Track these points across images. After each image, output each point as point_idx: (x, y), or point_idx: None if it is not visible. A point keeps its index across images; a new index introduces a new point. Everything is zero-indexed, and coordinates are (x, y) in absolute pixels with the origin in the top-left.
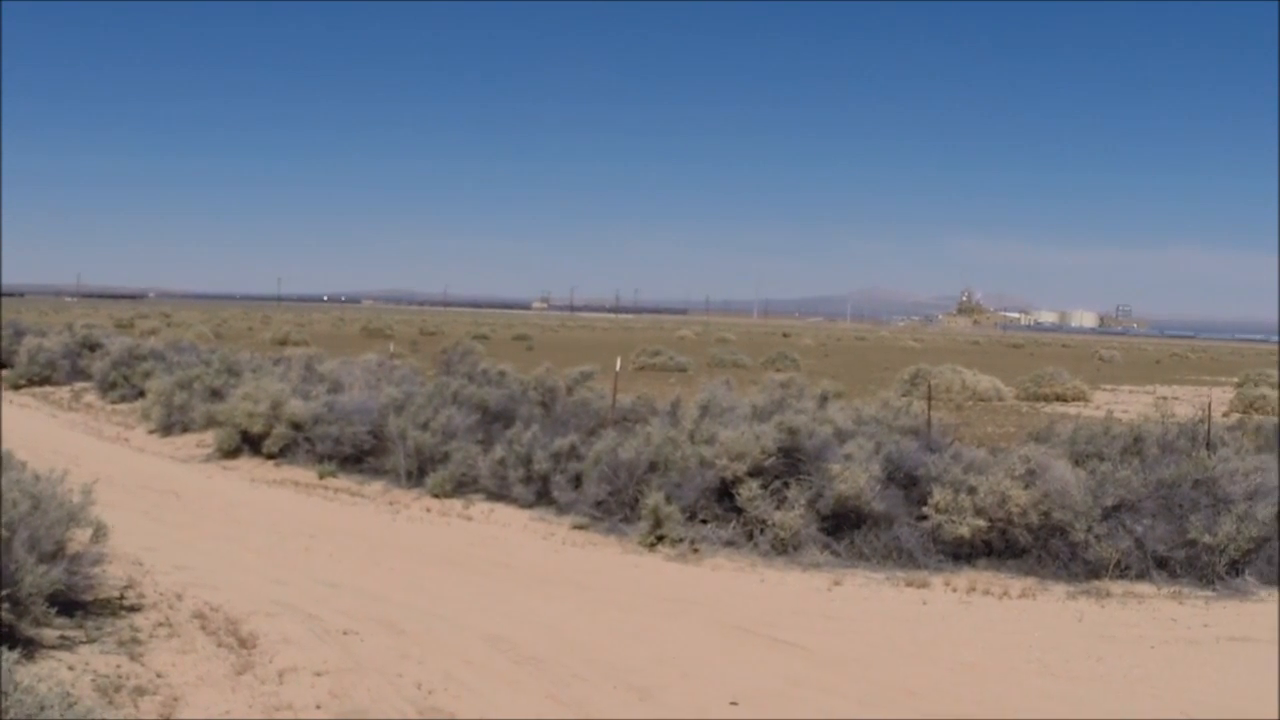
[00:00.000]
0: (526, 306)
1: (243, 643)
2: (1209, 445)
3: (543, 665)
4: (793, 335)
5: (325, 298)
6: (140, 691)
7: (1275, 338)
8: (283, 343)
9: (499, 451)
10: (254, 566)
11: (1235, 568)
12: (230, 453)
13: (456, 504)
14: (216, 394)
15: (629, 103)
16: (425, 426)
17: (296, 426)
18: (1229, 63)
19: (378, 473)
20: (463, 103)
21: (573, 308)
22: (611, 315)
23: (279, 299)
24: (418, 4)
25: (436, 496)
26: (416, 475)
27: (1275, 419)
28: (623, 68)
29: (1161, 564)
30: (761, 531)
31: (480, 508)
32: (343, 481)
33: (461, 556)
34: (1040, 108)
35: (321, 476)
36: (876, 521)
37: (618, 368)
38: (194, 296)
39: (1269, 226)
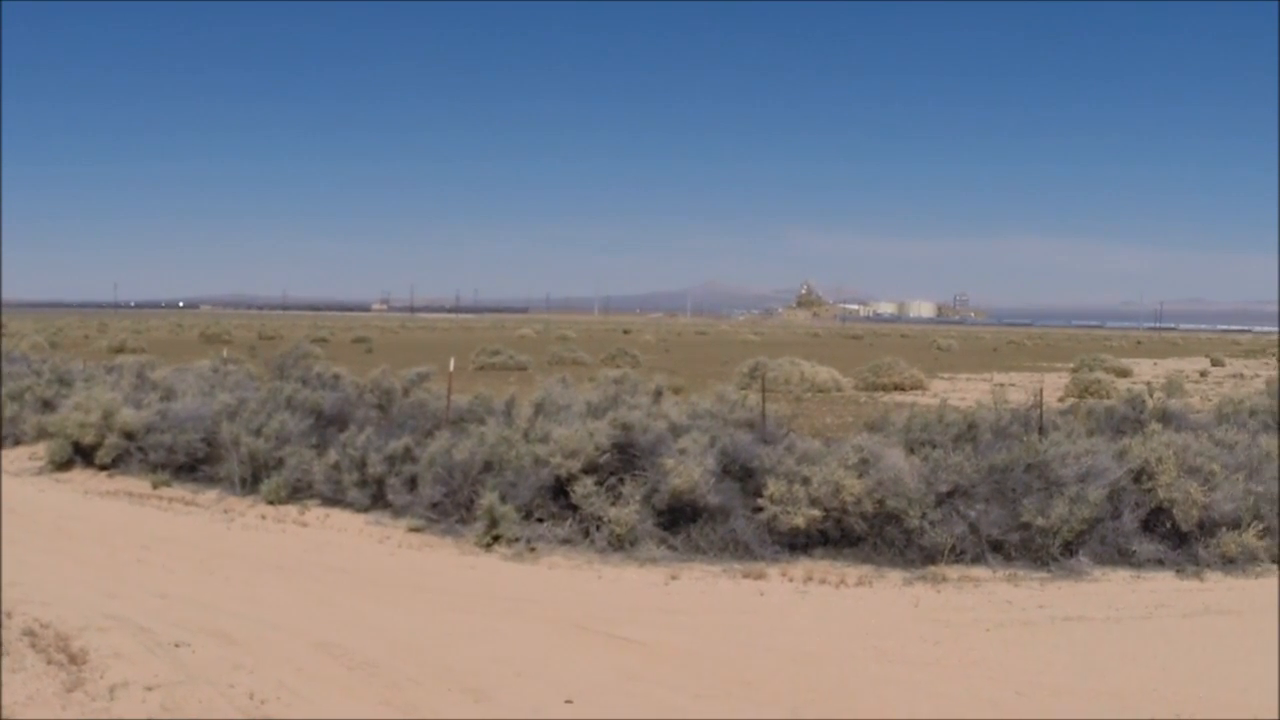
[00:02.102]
0: (366, 308)
1: (73, 659)
2: (1041, 430)
3: (376, 670)
4: (633, 332)
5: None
6: None
7: (1111, 324)
8: (119, 350)
9: (333, 456)
10: (85, 580)
11: (1069, 549)
12: (62, 465)
13: (292, 510)
14: (48, 405)
15: (467, 101)
16: (258, 433)
17: (129, 436)
18: (1061, 55)
19: (212, 481)
20: (297, 103)
21: (413, 309)
22: (452, 315)
23: (116, 305)
24: (250, 4)
25: (271, 503)
26: (251, 482)
27: (1106, 402)
28: (458, 65)
29: (996, 548)
30: (598, 528)
31: (316, 513)
32: (177, 491)
33: (296, 563)
34: (875, 101)
35: (155, 486)
36: (712, 515)
37: (451, 368)
38: (28, 305)
39: (1101, 214)
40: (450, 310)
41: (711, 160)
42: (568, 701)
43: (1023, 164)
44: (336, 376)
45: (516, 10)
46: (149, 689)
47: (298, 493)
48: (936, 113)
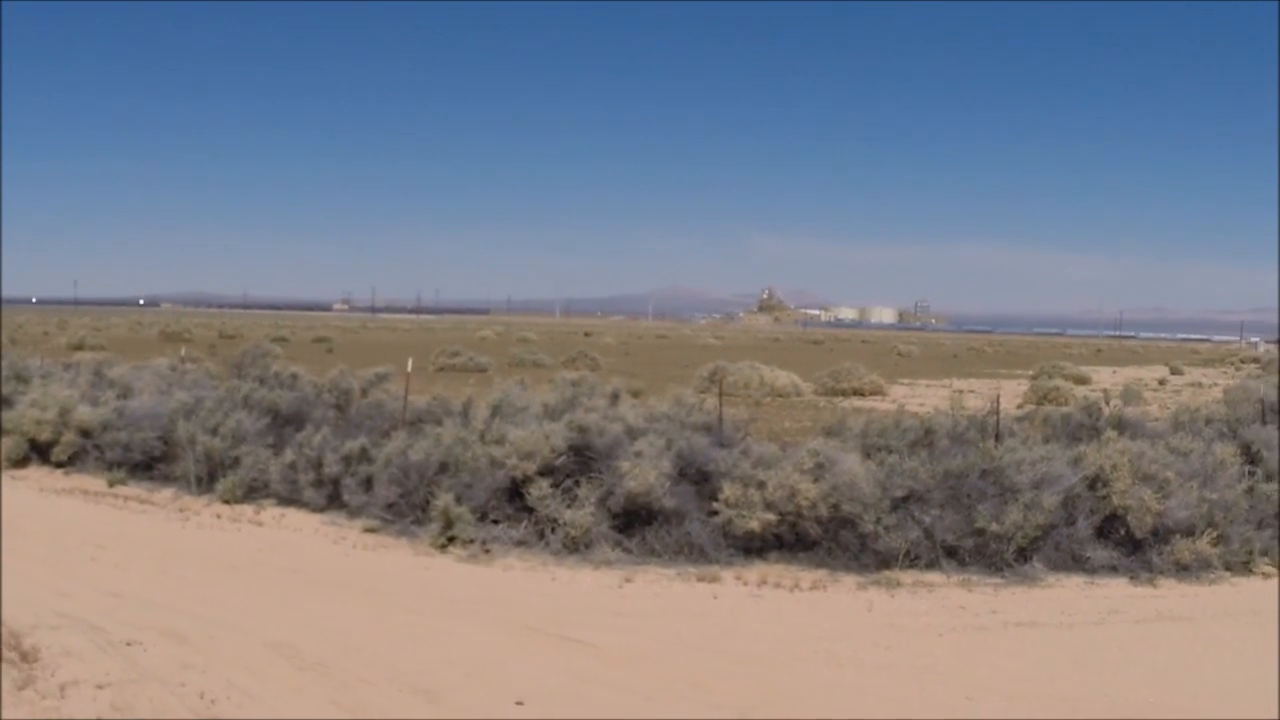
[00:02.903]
0: (327, 308)
1: (24, 657)
2: (997, 436)
3: (327, 671)
4: (594, 334)
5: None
6: None
7: (1071, 331)
8: (78, 348)
9: (289, 455)
10: (38, 578)
11: (1023, 555)
12: (18, 462)
13: (247, 509)
14: (5, 402)
15: (429, 102)
16: (215, 431)
17: (85, 434)
18: (1022, 63)
19: (168, 479)
20: (259, 101)
21: (374, 309)
22: (413, 316)
23: (76, 303)
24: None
25: (227, 502)
26: (207, 481)
27: (1063, 410)
28: (422, 66)
29: (950, 553)
30: (553, 530)
31: (271, 513)
32: (132, 489)
33: (250, 563)
34: (837, 107)
35: (111, 484)
36: (668, 518)
37: (409, 369)
38: None
39: (1063, 222)
40: (412, 311)
41: (675, 164)
42: (519, 703)
43: (985, 171)
44: (294, 376)
45: (480, 11)
46: (100, 687)
47: (253, 492)
48: (898, 119)
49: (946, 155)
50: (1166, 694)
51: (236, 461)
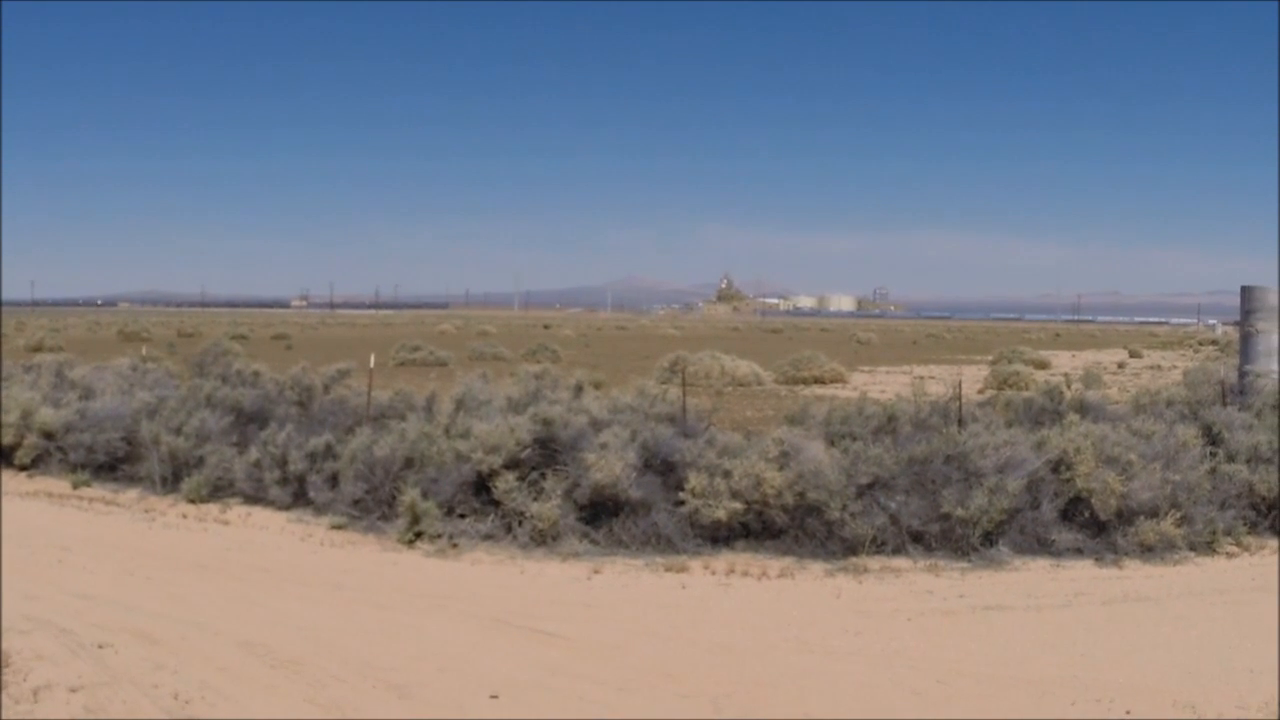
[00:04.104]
0: (286, 305)
1: None
2: (960, 422)
3: (300, 668)
4: (554, 327)
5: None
6: None
7: (1029, 317)
8: (37, 349)
9: (254, 453)
10: (6, 583)
11: (989, 539)
12: None
13: (213, 509)
14: None
15: (383, 96)
16: (179, 431)
17: (48, 436)
18: (976, 51)
19: (133, 480)
20: (215, 97)
21: (333, 305)
22: (372, 311)
23: (34, 304)
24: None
25: (193, 502)
26: (172, 481)
27: (1024, 394)
28: (378, 61)
29: (917, 538)
30: (520, 524)
31: (237, 511)
32: (97, 490)
33: (218, 562)
34: (793, 96)
35: (75, 486)
36: (634, 509)
37: (371, 364)
38: None
39: (1018, 208)
40: (370, 306)
41: (630, 155)
42: (493, 697)
43: (942, 159)
44: (256, 374)
45: (433, 8)
46: (73, 690)
47: (219, 491)
48: (854, 107)
49: (903, 143)
50: (1135, 674)
51: (201, 461)
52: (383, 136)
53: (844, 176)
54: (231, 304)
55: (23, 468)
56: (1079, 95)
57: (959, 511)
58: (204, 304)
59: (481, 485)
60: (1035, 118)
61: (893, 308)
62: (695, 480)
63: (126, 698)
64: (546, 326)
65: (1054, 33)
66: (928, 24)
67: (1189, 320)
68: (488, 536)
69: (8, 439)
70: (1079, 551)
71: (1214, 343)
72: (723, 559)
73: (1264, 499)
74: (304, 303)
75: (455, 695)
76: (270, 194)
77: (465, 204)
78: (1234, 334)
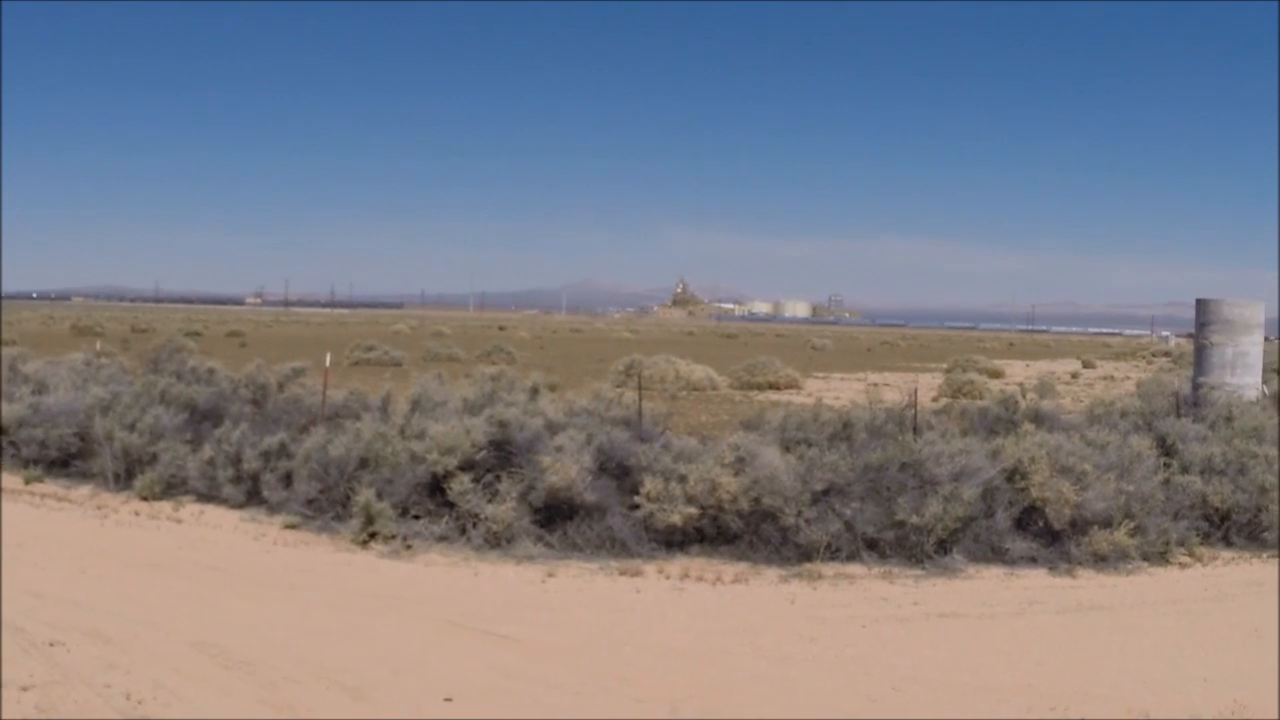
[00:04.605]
0: (240, 302)
1: None
2: (915, 429)
3: (253, 669)
4: (508, 328)
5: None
6: None
7: (984, 325)
8: None
9: (208, 451)
10: None
11: (943, 546)
12: None
13: (166, 506)
14: None
15: (340, 93)
16: (132, 427)
17: (1, 431)
18: (932, 58)
19: (86, 476)
20: (168, 92)
21: (287, 303)
22: (327, 310)
23: None
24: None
25: (146, 499)
26: (125, 478)
27: (979, 403)
28: (332, 58)
29: (871, 545)
30: (474, 525)
31: (190, 509)
32: (49, 486)
33: (171, 560)
34: (750, 101)
35: (28, 482)
36: (589, 512)
37: (328, 363)
38: None
39: (974, 217)
40: (325, 305)
41: (588, 157)
42: (447, 699)
43: (897, 166)
44: (211, 371)
45: (389, 5)
46: (24, 689)
47: (172, 489)
48: (812, 113)
49: (860, 150)
50: (1089, 682)
51: (154, 458)
52: (339, 134)
53: (801, 182)
54: (186, 300)
55: None
56: (1037, 104)
57: (914, 519)
58: (158, 300)
59: (436, 486)
60: (992, 126)
61: (848, 314)
62: (650, 484)
63: (79, 697)
64: (501, 328)
65: (1010, 41)
66: (883, 30)
67: (1143, 331)
68: (442, 538)
69: None
70: (1033, 560)
71: (1167, 354)
72: (677, 563)
73: (1217, 510)
74: (259, 300)
75: (409, 697)
76: (226, 190)
77: (422, 204)
78: (1187, 346)
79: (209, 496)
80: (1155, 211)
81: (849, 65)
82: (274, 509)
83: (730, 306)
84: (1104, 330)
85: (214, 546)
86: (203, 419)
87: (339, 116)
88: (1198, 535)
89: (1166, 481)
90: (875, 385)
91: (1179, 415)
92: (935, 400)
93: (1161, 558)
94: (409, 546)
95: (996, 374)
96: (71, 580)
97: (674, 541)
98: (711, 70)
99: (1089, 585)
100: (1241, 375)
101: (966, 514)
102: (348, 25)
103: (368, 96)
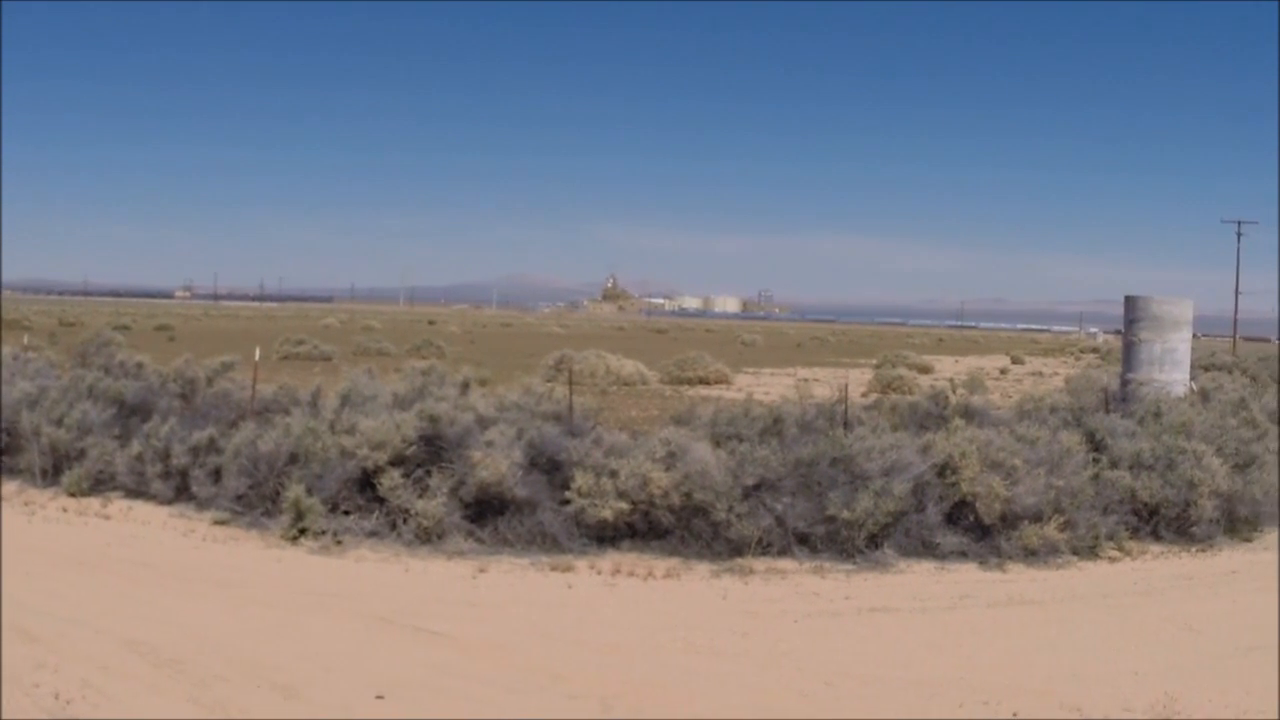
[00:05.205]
0: (170, 295)
1: None
2: (846, 425)
3: (183, 667)
4: (439, 323)
5: None
6: None
7: (913, 321)
8: None
9: (136, 446)
10: None
11: (874, 541)
12: None
13: (94, 503)
14: None
15: (270, 86)
16: (60, 422)
17: None
18: (865, 56)
19: (12, 472)
20: (97, 84)
21: (216, 296)
22: (256, 304)
23: None
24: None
25: (73, 495)
26: (52, 474)
27: (910, 398)
28: (262, 51)
29: (803, 540)
30: (405, 521)
31: (119, 505)
32: None
33: (99, 557)
34: (681, 96)
35: None
36: (520, 507)
37: (257, 357)
38: None
39: (903, 213)
40: (254, 298)
41: (518, 152)
42: (379, 697)
43: (826, 162)
44: (140, 365)
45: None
46: None
47: (100, 485)
48: (743, 109)
49: (791, 146)
50: (1021, 676)
51: (82, 453)
52: (269, 127)
53: (732, 178)
54: (115, 293)
55: None
56: (966, 103)
57: (845, 514)
58: (86, 293)
59: (366, 482)
60: (922, 124)
61: (777, 310)
62: (581, 479)
63: (6, 696)
64: (432, 322)
65: (938, 39)
66: (811, 28)
67: (1071, 328)
68: (372, 534)
69: None
70: (964, 555)
71: (1095, 350)
72: (609, 559)
73: (1146, 505)
74: (188, 294)
75: (341, 695)
76: (155, 182)
77: (352, 197)
78: (1116, 342)
79: (137, 492)
80: (1083, 210)
81: (777, 62)
82: (203, 505)
83: (661, 302)
84: (1032, 326)
85: (143, 543)
86: (131, 414)
87: (268, 109)
88: (1127, 530)
89: (1096, 476)
90: (805, 381)
91: (1108, 411)
92: (865, 396)
93: (1091, 552)
94: (339, 542)
95: (926, 369)
96: None
97: (605, 537)
98: (641, 66)
99: (1020, 579)
100: (1170, 371)
101: (897, 509)
102: (274, 17)
103: (297, 90)
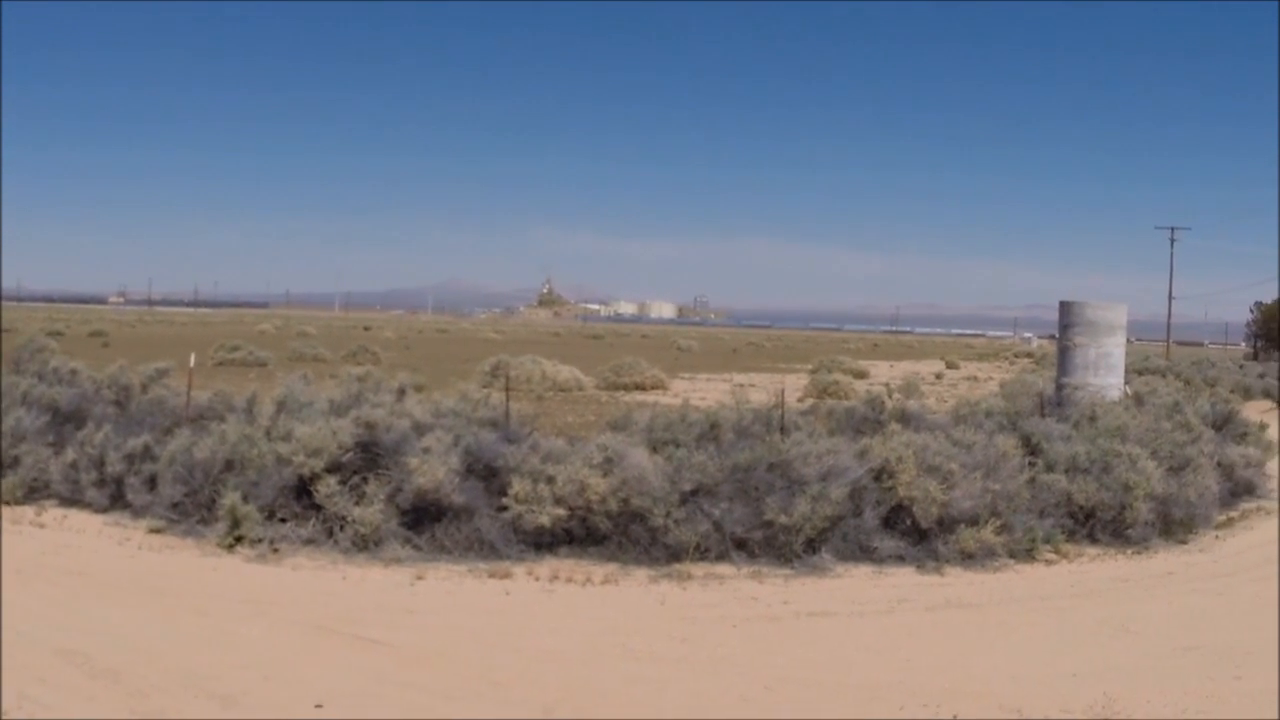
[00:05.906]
0: (103, 301)
1: None
2: (783, 430)
3: (120, 677)
4: (374, 328)
5: None
6: None
7: (848, 327)
8: None
9: (70, 454)
10: None
11: (812, 546)
12: None
13: (28, 511)
14: None
15: (206, 90)
16: None
17: None
18: (799, 62)
19: None
20: (30, 86)
21: (151, 302)
22: (190, 309)
23: None
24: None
25: (7, 504)
26: None
27: (846, 403)
28: (200, 54)
29: (741, 545)
30: (342, 528)
31: (53, 514)
32: None
33: (33, 566)
34: (617, 102)
35: None
36: (457, 514)
37: (192, 364)
38: None
39: (837, 219)
40: (189, 304)
41: (453, 156)
42: (317, 706)
43: (761, 168)
44: (74, 372)
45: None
46: None
47: (34, 493)
48: (677, 114)
49: (726, 151)
50: (960, 679)
51: (16, 461)
52: (202, 131)
53: (666, 183)
54: (48, 299)
55: None
56: (897, 108)
57: (782, 519)
58: (19, 298)
59: (303, 489)
60: (855, 128)
61: (713, 315)
62: (519, 486)
63: None
64: (367, 328)
65: (874, 43)
66: (745, 32)
67: (1005, 333)
68: (309, 541)
69: None
70: (901, 559)
71: (1030, 355)
72: (546, 565)
73: (1082, 508)
74: (122, 299)
75: (279, 704)
76: (88, 187)
77: (286, 202)
78: (1050, 347)
79: (72, 500)
80: (1017, 215)
81: (711, 68)
82: (138, 513)
83: (596, 307)
84: (967, 331)
85: (78, 552)
86: (65, 421)
87: (200, 112)
88: (1063, 533)
89: (1032, 480)
90: (741, 386)
91: (1043, 415)
92: (802, 401)
93: (1028, 555)
94: (276, 550)
95: (862, 374)
96: None
97: (543, 543)
98: (574, 70)
99: (957, 583)
100: (1104, 376)
101: (835, 513)
102: (199, 17)
103: (229, 93)
